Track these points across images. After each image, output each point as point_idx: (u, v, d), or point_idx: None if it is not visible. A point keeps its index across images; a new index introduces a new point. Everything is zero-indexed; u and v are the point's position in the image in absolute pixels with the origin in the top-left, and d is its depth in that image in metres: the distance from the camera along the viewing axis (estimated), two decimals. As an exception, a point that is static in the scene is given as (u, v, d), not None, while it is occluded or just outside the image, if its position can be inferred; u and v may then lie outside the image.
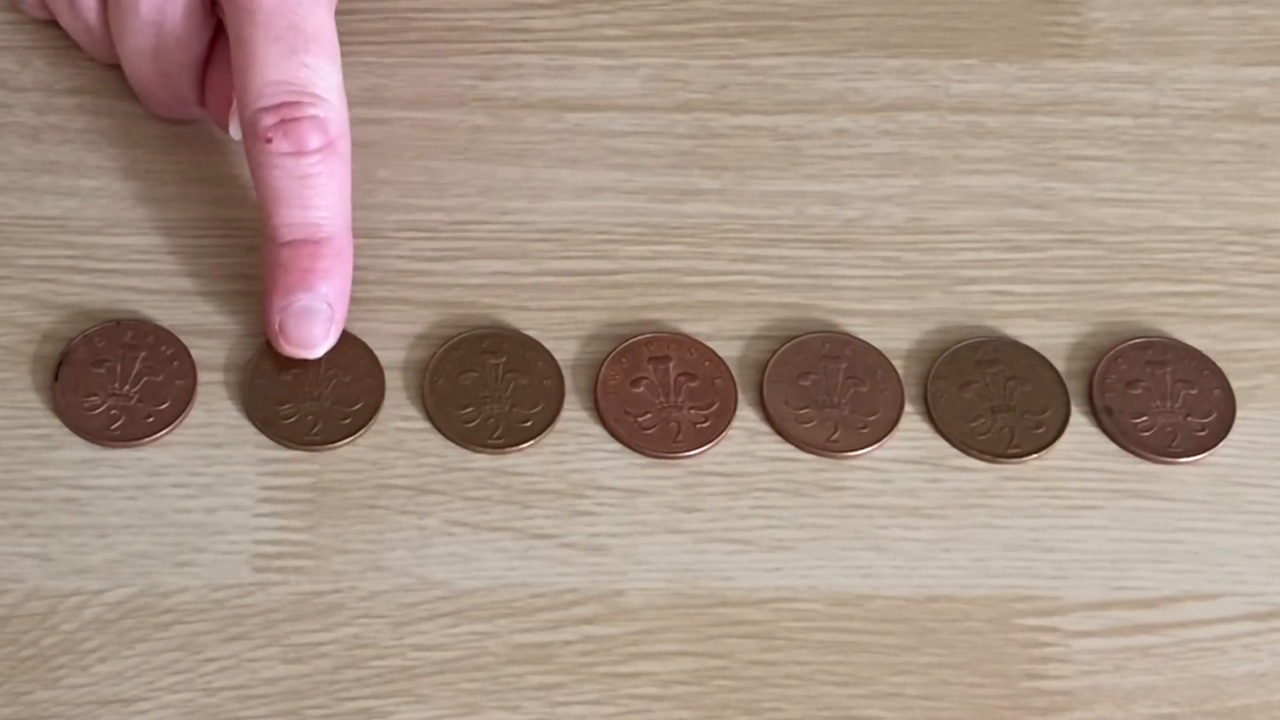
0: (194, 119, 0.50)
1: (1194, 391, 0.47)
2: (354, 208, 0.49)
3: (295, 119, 0.45)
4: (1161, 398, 0.47)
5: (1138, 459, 0.46)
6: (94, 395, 0.45)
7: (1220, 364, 0.47)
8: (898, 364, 0.47)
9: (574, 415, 0.46)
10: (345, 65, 0.51)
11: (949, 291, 0.49)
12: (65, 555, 0.44)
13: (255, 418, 0.45)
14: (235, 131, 0.48)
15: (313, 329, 0.46)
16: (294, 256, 0.45)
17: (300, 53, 0.45)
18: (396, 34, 0.52)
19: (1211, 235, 0.50)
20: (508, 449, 0.45)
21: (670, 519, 0.45)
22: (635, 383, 0.46)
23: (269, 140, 0.45)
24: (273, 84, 0.45)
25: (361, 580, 0.44)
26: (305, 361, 0.46)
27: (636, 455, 0.46)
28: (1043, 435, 0.46)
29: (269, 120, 0.45)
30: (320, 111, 0.45)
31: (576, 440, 0.46)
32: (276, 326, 0.46)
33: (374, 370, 0.46)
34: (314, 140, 0.45)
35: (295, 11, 0.45)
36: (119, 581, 0.44)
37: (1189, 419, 0.47)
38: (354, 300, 0.47)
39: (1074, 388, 0.47)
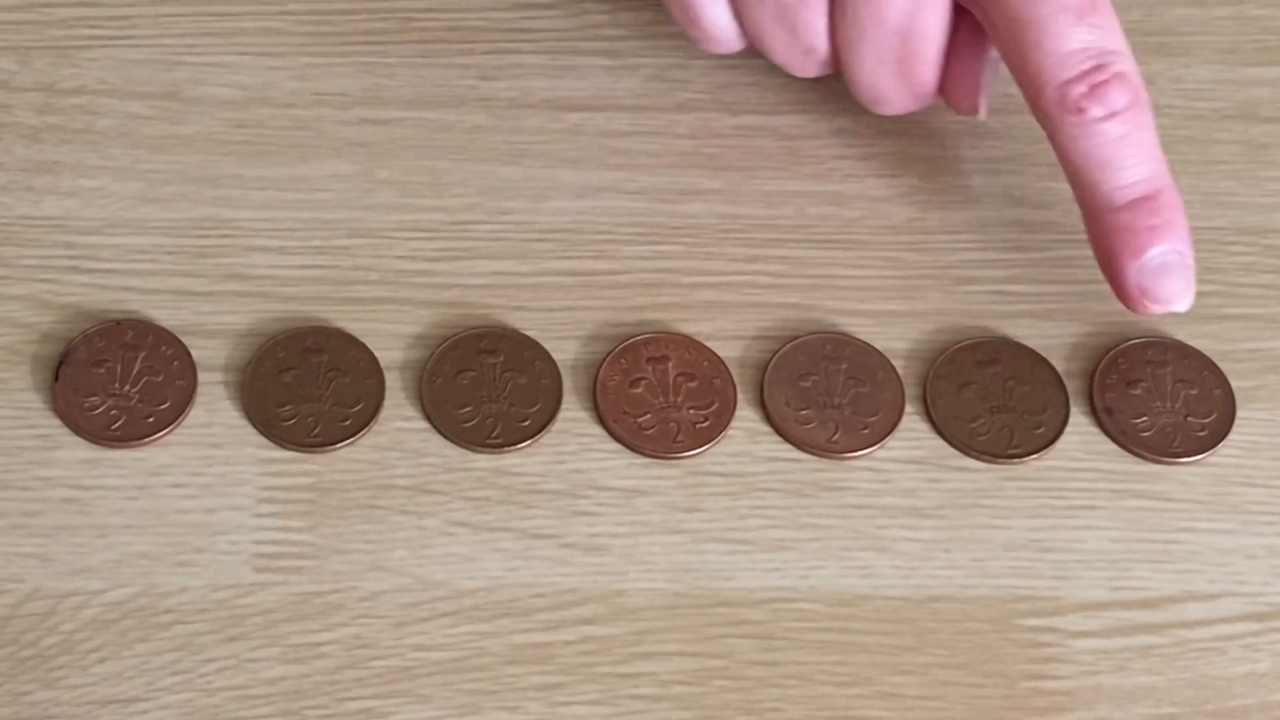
0: (920, 110, 0.50)
1: (1194, 391, 0.47)
2: (353, 208, 0.49)
3: (1103, 82, 0.45)
4: (1161, 398, 0.47)
5: (1138, 459, 0.46)
6: (94, 395, 0.45)
7: (1220, 364, 0.47)
8: (898, 364, 0.47)
9: (574, 415, 0.46)
10: (345, 65, 0.51)
11: (949, 291, 0.49)
12: (65, 555, 0.44)
13: (255, 419, 0.45)
14: (985, 112, 0.48)
15: (1174, 281, 0.46)
16: (1135, 217, 0.45)
17: (1088, 14, 0.45)
18: (396, 34, 0.52)
19: (1211, 235, 0.50)
20: (506, 448, 0.45)
21: (670, 519, 0.45)
22: (634, 383, 0.46)
23: (1081, 110, 0.45)
24: (1073, 53, 0.45)
25: (361, 580, 0.44)
26: (305, 362, 0.46)
27: (636, 455, 0.46)
28: (1043, 435, 0.46)
29: (1078, 90, 0.45)
30: (1121, 66, 0.45)
31: (576, 440, 0.46)
32: (1135, 290, 0.46)
33: (374, 371, 0.46)
34: (1124, 98, 0.45)
35: None
36: (119, 581, 0.44)
37: (1189, 419, 0.47)
38: (353, 300, 0.47)
39: (1074, 388, 0.47)
